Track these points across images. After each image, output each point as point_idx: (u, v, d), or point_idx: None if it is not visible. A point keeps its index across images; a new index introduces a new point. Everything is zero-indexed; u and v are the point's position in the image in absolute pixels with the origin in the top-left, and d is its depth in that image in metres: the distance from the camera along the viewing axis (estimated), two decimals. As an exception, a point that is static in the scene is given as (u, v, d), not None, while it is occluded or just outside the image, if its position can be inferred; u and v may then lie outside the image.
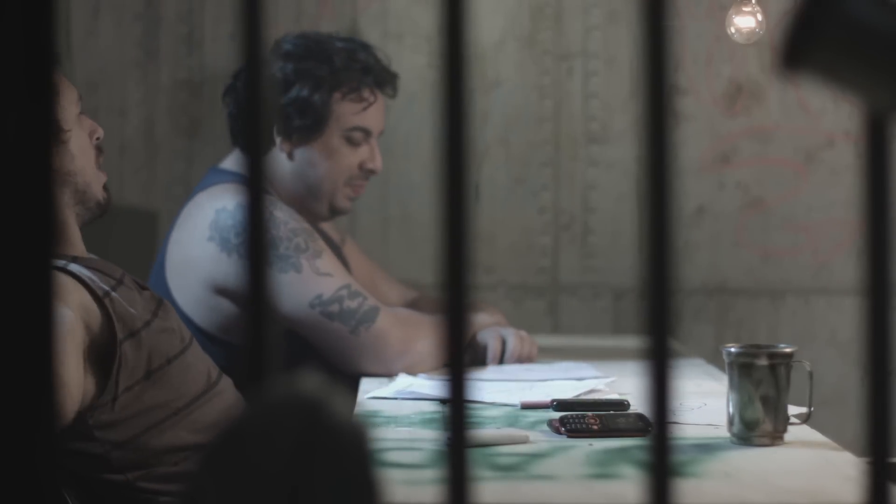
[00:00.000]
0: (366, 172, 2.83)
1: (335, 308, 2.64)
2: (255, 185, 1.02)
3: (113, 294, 2.10)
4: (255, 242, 1.02)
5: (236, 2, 1.02)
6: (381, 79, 2.81)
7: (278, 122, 2.73)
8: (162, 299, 2.25)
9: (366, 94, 2.79)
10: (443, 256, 1.02)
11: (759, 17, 2.53)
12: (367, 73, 2.79)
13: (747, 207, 3.63)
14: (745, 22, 2.54)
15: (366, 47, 2.82)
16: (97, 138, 2.21)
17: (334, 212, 2.85)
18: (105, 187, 2.21)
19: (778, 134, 3.63)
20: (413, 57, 3.60)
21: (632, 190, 3.60)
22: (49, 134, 0.98)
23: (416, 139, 3.61)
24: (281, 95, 2.74)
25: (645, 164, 1.02)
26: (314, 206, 2.82)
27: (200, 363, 2.24)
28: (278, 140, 2.77)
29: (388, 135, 3.63)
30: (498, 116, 3.62)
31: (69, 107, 2.16)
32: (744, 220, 3.63)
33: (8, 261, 0.98)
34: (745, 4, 2.53)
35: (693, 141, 3.60)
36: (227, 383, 2.28)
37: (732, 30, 2.55)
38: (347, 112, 2.77)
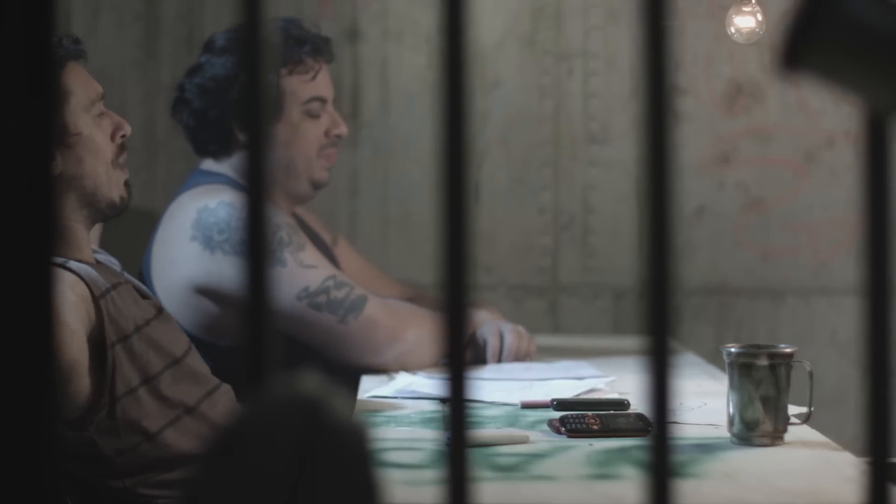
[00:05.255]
0: (333, 139, 2.84)
1: (322, 299, 2.64)
2: (256, 184, 1.02)
3: (110, 294, 2.08)
4: (253, 243, 1.02)
5: (236, 2, 1.02)
6: (318, 47, 2.83)
7: (238, 117, 2.72)
8: (162, 308, 2.23)
9: (309, 63, 2.80)
10: (443, 256, 1.02)
11: (759, 17, 2.53)
12: (303, 43, 2.80)
13: (747, 207, 3.63)
14: (745, 22, 2.54)
15: (293, 21, 2.83)
16: (122, 136, 2.15)
17: (316, 186, 2.85)
18: (126, 183, 2.15)
19: (778, 134, 3.63)
20: (413, 57, 3.60)
21: (632, 190, 3.60)
22: (49, 136, 0.98)
23: (416, 139, 3.61)
24: (231, 90, 2.73)
25: (645, 164, 1.02)
26: (295, 186, 2.83)
27: (200, 370, 2.23)
28: (242, 135, 2.77)
29: (388, 135, 3.64)
30: (498, 116, 3.62)
31: (82, 109, 2.10)
32: (744, 220, 3.63)
33: (8, 262, 0.98)
34: (745, 4, 2.53)
35: (693, 141, 3.60)
36: (225, 390, 2.26)
37: (732, 30, 2.55)
38: (298, 85, 2.78)
